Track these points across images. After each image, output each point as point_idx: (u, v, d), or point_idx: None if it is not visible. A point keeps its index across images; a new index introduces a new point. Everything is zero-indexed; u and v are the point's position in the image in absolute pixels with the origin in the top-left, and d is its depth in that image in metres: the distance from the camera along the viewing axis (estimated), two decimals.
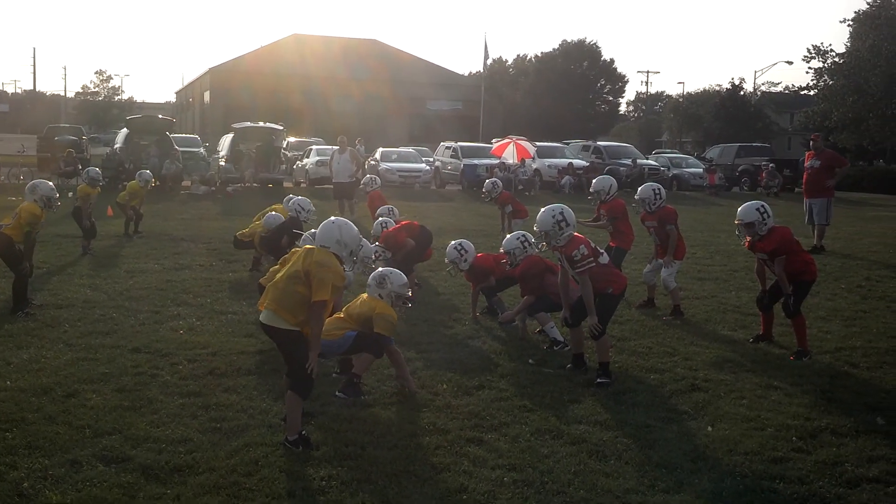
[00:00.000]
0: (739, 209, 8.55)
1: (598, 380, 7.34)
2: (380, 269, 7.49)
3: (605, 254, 7.77)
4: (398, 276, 7.33)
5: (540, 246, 8.00)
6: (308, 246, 6.01)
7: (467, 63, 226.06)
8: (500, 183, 16.55)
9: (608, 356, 7.50)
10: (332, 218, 6.10)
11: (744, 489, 5.29)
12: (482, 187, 16.81)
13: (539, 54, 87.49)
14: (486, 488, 5.23)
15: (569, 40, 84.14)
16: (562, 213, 7.47)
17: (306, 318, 5.73)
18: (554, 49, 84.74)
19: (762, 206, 8.45)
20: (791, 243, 8.43)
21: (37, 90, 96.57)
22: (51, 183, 10.41)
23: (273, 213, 12.71)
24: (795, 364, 8.01)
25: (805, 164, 16.82)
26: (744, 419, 6.50)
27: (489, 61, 60.73)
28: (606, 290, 7.48)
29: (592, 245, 7.53)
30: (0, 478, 5.21)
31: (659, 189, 10.38)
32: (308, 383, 5.77)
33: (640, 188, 10.68)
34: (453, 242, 9.88)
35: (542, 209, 7.64)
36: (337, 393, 6.91)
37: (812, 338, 8.87)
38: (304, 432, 5.82)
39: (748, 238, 8.51)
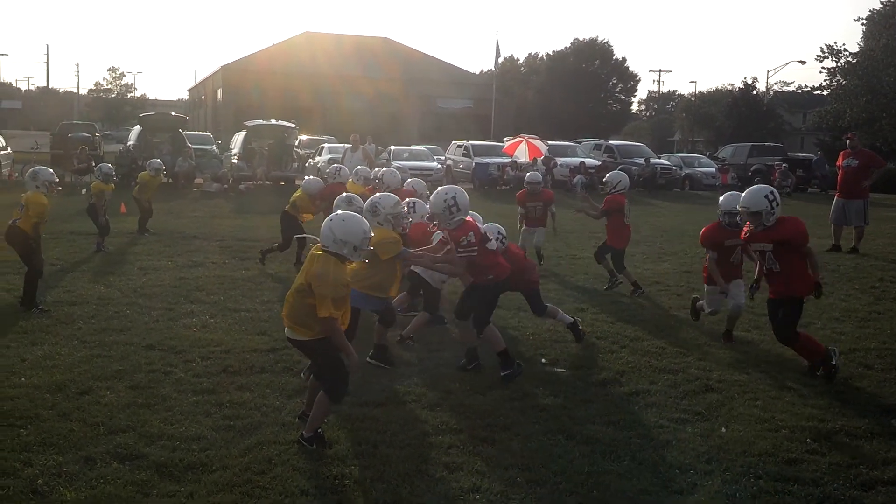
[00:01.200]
0: (744, 195, 7.75)
1: (502, 373, 7.36)
2: (371, 198, 7.59)
3: (492, 241, 7.69)
4: (387, 198, 7.47)
5: (431, 226, 7.99)
6: (314, 251, 5.89)
7: (479, 61, 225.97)
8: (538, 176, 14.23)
9: (502, 345, 7.47)
10: (332, 215, 5.98)
11: (758, 491, 5.27)
12: (495, 185, 16.58)
13: (550, 53, 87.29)
14: (499, 488, 5.23)
15: (580, 39, 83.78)
16: (454, 198, 7.43)
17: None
18: (565, 47, 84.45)
19: (771, 192, 7.62)
20: (806, 237, 7.58)
21: (50, 87, 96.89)
22: (50, 169, 10.39)
23: (311, 177, 13.06)
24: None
25: (840, 164, 16.25)
26: (758, 420, 6.48)
27: (501, 59, 60.72)
28: (487, 278, 7.51)
29: (482, 232, 7.58)
30: (14, 475, 5.23)
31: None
32: (341, 388, 5.77)
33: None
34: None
35: (436, 191, 7.66)
36: (368, 359, 7.42)
37: (826, 339, 8.83)
38: (319, 430, 5.82)
39: (747, 228, 7.80)
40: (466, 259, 7.36)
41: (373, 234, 6.03)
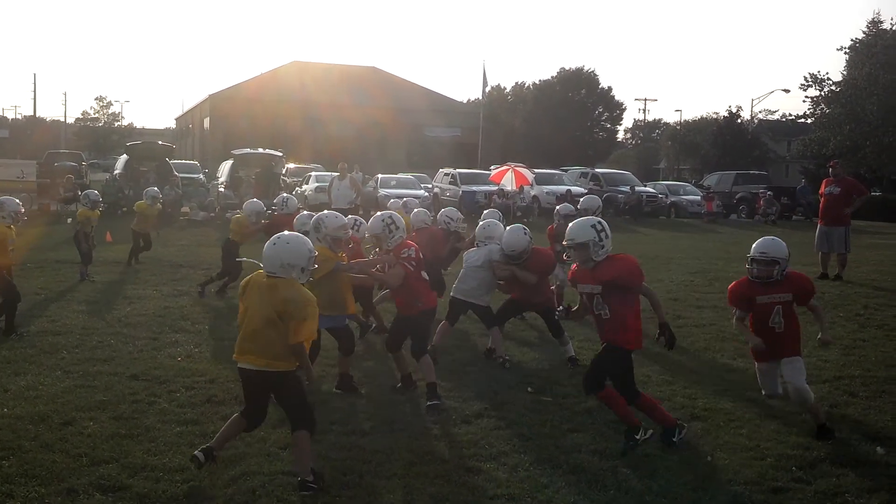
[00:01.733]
0: (570, 226, 6.68)
1: (428, 402, 7.36)
2: (318, 215, 7.90)
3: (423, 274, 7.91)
4: (333, 219, 7.77)
5: (374, 251, 8.11)
6: (264, 280, 5.67)
7: (466, 90, 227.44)
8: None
9: (433, 377, 7.52)
10: (275, 237, 5.79)
11: None
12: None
13: (537, 81, 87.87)
14: None
15: (567, 68, 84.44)
16: (391, 217, 7.70)
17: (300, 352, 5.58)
18: (552, 77, 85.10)
19: (599, 222, 6.57)
20: (639, 277, 6.54)
21: (37, 116, 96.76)
22: (17, 199, 10.35)
23: (254, 200, 13.36)
24: None
25: (822, 191, 16.46)
26: (743, 448, 6.48)
27: (488, 88, 61.05)
28: (416, 303, 7.67)
29: (421, 256, 7.75)
30: None
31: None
32: (313, 415, 5.70)
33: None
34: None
35: (374, 215, 7.92)
36: (335, 389, 7.75)
37: (811, 366, 8.86)
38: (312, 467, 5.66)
39: (574, 267, 6.76)
40: (403, 268, 7.51)
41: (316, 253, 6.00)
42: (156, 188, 18.03)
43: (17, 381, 7.88)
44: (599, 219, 6.72)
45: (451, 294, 9.34)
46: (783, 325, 6.86)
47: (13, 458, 5.94)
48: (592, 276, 6.46)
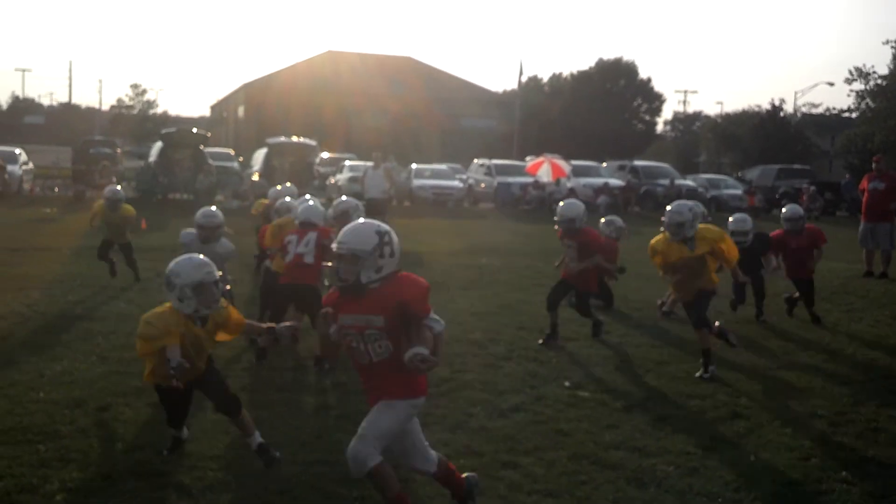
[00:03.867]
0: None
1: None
2: None
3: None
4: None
5: None
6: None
7: (502, 80, 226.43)
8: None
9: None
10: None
11: None
12: (517, 205, 15.99)
13: (575, 72, 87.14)
14: None
15: (605, 59, 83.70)
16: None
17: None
18: (590, 67, 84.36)
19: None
20: None
21: (72, 103, 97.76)
22: None
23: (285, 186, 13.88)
24: (840, 392, 7.79)
25: (866, 187, 16.01)
26: (788, 448, 6.31)
27: (524, 79, 60.79)
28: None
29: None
30: (33, 490, 5.17)
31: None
32: None
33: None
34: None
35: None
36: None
37: (857, 366, 8.68)
38: None
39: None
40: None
41: None
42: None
43: (52, 366, 7.89)
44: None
45: None
46: None
47: (50, 442, 5.94)
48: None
